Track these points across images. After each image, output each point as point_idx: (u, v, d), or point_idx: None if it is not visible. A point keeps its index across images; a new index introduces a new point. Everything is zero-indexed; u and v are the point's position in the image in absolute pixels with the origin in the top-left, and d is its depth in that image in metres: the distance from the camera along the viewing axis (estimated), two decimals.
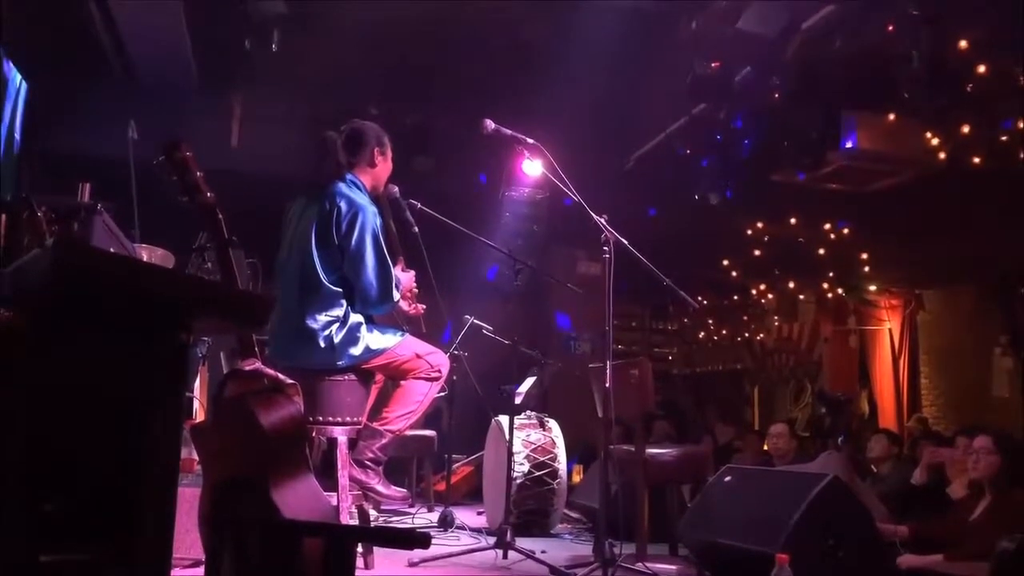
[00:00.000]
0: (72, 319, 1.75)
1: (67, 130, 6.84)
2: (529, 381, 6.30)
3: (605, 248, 3.60)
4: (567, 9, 6.13)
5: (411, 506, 6.34)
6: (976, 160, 6.42)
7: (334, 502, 3.33)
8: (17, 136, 6.65)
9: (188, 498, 3.07)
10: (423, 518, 5.32)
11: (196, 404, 4.13)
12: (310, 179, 4.04)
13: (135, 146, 5.70)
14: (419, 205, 3.88)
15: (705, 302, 11.68)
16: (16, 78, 6.51)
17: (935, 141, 6.27)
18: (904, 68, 4.84)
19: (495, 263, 8.08)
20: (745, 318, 11.69)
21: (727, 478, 3.87)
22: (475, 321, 5.81)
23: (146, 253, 4.34)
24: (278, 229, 6.92)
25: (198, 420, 3.63)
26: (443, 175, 7.55)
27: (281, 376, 2.23)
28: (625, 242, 3.67)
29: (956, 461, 5.17)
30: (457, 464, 6.68)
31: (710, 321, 11.82)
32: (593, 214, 3.65)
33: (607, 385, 3.47)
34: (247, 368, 2.18)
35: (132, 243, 4.42)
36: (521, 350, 5.63)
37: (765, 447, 7.31)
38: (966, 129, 5.97)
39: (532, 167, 8.01)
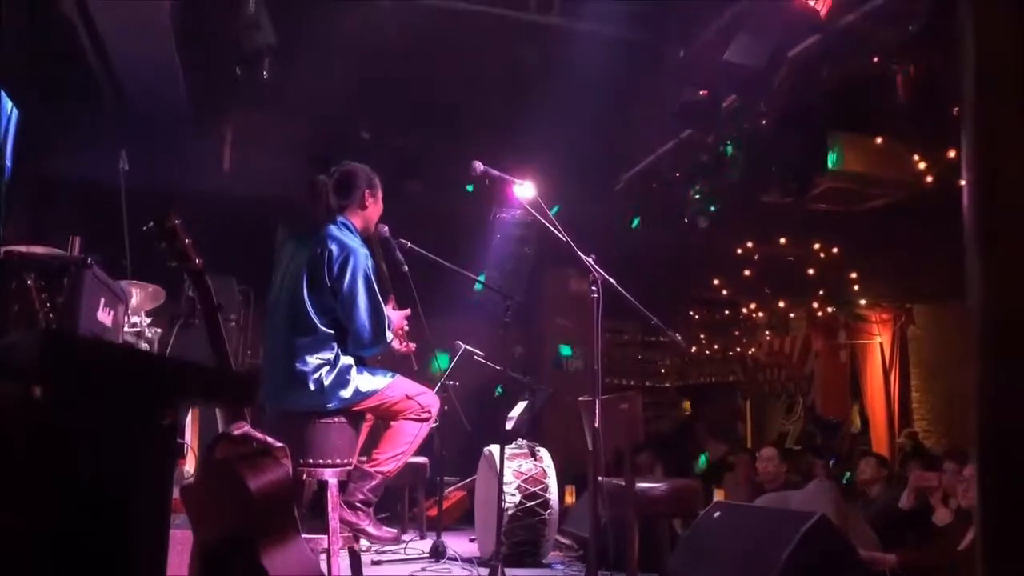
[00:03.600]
0: (59, 399, 1.77)
1: (59, 156, 6.85)
2: (520, 406, 6.32)
3: (593, 288, 3.62)
4: (558, 35, 6.18)
5: (403, 532, 6.36)
6: (963, 183, 6.47)
7: (324, 544, 3.35)
8: (8, 163, 6.66)
9: (180, 540, 3.09)
10: (415, 548, 5.32)
11: (188, 448, 4.14)
12: (301, 204, 4.05)
13: (126, 175, 5.73)
14: (409, 244, 3.91)
15: (696, 316, 11.73)
16: (7, 105, 6.53)
17: (922, 165, 6.32)
18: (888, 98, 4.89)
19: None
20: (737, 333, 11.73)
21: (716, 513, 3.89)
22: (467, 348, 5.84)
23: (137, 290, 4.36)
24: (269, 253, 6.90)
25: (189, 481, 3.64)
26: (433, 198, 7.58)
27: (269, 439, 2.25)
28: (612, 281, 3.69)
29: (942, 487, 5.21)
30: (450, 489, 6.69)
31: (702, 336, 11.86)
32: (581, 254, 3.68)
33: (596, 425, 3.49)
34: (236, 432, 2.20)
35: (123, 280, 4.45)
36: (511, 376, 5.67)
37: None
38: (952, 154, 6.02)
39: (523, 191, 8.07)
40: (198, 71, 6.32)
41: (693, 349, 12.05)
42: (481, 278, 5.45)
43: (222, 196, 7.16)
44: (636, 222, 8.16)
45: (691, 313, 11.68)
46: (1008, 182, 0.72)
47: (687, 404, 13.31)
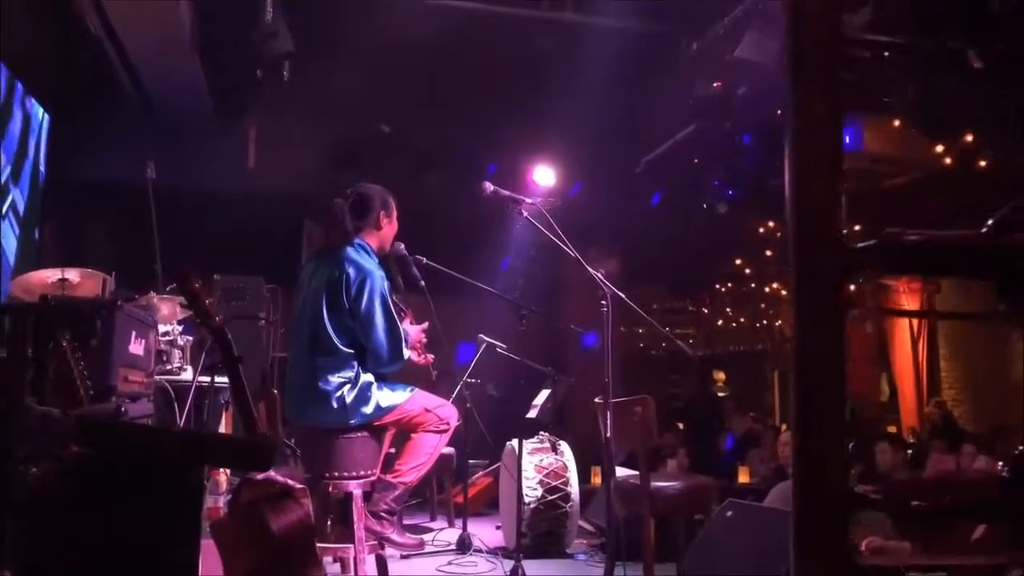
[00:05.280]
0: (92, 465, 1.95)
1: (89, 162, 7.04)
2: (543, 394, 6.45)
3: (603, 302, 3.73)
4: (572, 29, 6.24)
5: (433, 519, 6.57)
6: (982, 163, 6.47)
7: (351, 552, 3.54)
8: (42, 168, 6.88)
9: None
10: (442, 539, 5.52)
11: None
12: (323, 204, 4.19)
13: (154, 181, 5.90)
14: (424, 260, 4.03)
15: (723, 289, 11.81)
16: (38, 112, 6.73)
17: (940, 147, 6.33)
18: (901, 94, 4.90)
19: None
20: (763, 305, 11.79)
21: (729, 512, 4.02)
22: (489, 341, 5.96)
23: (167, 305, 4.54)
24: (296, 250, 7.05)
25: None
26: (453, 189, 7.69)
27: (290, 482, 2.41)
28: (623, 295, 3.79)
29: (960, 471, 5.29)
30: (476, 476, 6.87)
31: (728, 310, 11.94)
32: (590, 268, 3.78)
33: (608, 435, 3.63)
34: (259, 476, 2.36)
35: (155, 295, 4.64)
36: (532, 367, 5.80)
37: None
38: (970, 138, 6.02)
39: (544, 176, 8.11)
40: (220, 75, 6.47)
41: (720, 322, 12.17)
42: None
43: (248, 195, 7.33)
44: (656, 199, 8.23)
45: (717, 286, 11.76)
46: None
47: (721, 375, 13.41)
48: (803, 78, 0.83)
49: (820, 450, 0.78)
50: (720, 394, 13.13)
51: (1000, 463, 0.79)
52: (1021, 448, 0.82)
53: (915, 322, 11.02)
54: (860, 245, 0.78)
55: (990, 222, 0.83)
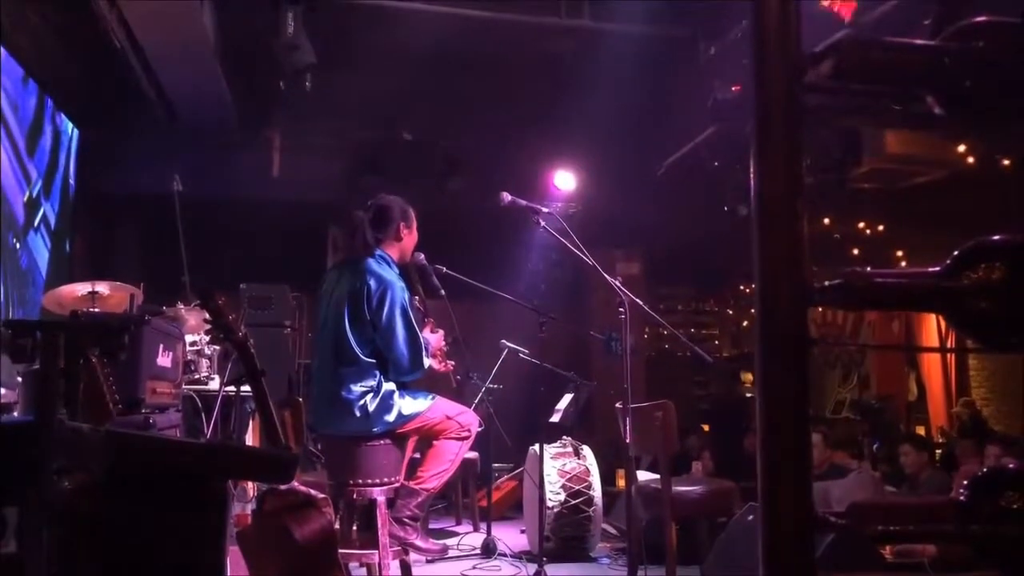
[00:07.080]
0: (120, 479, 2.02)
1: (117, 175, 7.17)
2: (566, 398, 6.50)
3: (621, 309, 3.77)
4: (590, 36, 6.28)
5: (459, 522, 6.63)
6: (1006, 162, 6.43)
7: (375, 558, 3.61)
8: (72, 182, 7.03)
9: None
10: (467, 543, 5.57)
11: None
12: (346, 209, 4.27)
13: (181, 193, 6.01)
14: (444, 269, 4.09)
15: (747, 291, 11.76)
16: (68, 127, 6.88)
17: (962, 147, 6.30)
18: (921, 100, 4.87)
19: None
20: None
21: (750, 516, 4.04)
22: (511, 346, 6.01)
23: (194, 316, 4.64)
24: (321, 257, 7.16)
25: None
26: (476, 193, 7.75)
27: (313, 491, 2.48)
28: (640, 302, 3.83)
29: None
30: (500, 480, 6.92)
31: (752, 309, 11.89)
32: (607, 276, 3.82)
33: (627, 440, 3.67)
34: (282, 487, 2.43)
35: (182, 306, 4.75)
36: (554, 372, 5.84)
37: None
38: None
39: (565, 180, 8.13)
40: (243, 87, 6.58)
41: (745, 323, 12.13)
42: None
43: (273, 203, 7.44)
44: (678, 201, 8.24)
45: (742, 287, 11.73)
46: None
47: (748, 376, 13.34)
48: (765, 124, 0.87)
49: (786, 478, 0.82)
50: (748, 395, 13.09)
51: (963, 484, 0.83)
52: (983, 470, 0.86)
53: (943, 322, 10.93)
54: (820, 286, 0.82)
55: (948, 260, 0.86)
